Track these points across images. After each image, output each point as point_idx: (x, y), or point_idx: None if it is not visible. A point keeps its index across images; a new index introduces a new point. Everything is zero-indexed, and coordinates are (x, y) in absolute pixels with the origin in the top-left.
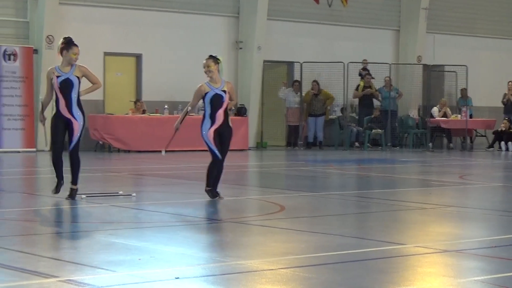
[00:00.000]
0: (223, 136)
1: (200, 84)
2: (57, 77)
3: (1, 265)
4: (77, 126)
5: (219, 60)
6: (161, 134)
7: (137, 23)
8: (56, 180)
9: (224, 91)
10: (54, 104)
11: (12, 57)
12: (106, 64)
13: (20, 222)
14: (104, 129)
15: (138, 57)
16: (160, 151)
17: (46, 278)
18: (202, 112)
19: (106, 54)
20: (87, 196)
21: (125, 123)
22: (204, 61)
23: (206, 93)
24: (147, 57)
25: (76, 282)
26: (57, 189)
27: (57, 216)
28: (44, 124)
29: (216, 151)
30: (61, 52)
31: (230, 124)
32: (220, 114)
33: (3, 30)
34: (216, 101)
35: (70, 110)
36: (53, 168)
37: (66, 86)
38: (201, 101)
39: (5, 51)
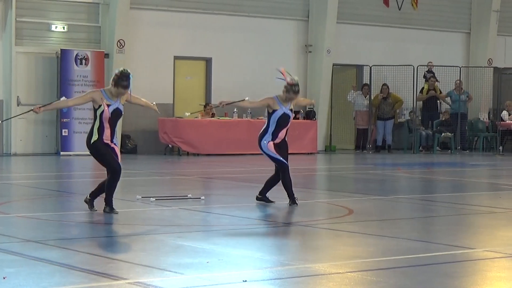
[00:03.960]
0: (281, 149)
1: (271, 96)
2: (108, 105)
3: (71, 267)
4: (118, 151)
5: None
6: (230, 137)
7: (207, 27)
8: (107, 202)
9: (291, 110)
10: (96, 131)
11: (84, 61)
12: (176, 68)
13: (90, 225)
14: (173, 133)
15: (208, 61)
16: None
17: (115, 280)
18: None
19: (176, 58)
20: (156, 199)
21: (194, 127)
22: (294, 79)
23: (274, 111)
24: (217, 61)
25: (145, 284)
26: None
27: (126, 218)
28: (34, 111)
29: (281, 158)
30: (113, 83)
31: (286, 139)
32: (283, 132)
33: (75, 35)
34: (283, 120)
35: (111, 139)
36: (109, 190)
37: (116, 116)
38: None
39: (77, 55)
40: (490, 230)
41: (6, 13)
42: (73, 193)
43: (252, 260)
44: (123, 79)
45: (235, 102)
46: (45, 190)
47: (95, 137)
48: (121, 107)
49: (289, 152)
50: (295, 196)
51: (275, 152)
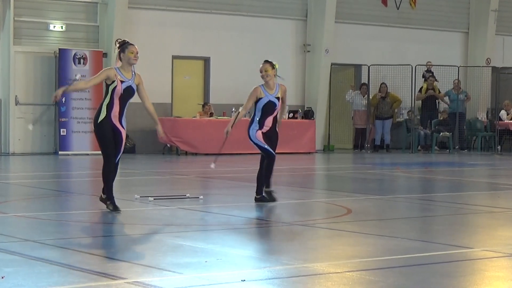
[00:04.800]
0: (271, 140)
1: (255, 86)
2: (121, 82)
3: (70, 267)
4: (124, 135)
5: (275, 65)
6: (229, 137)
7: (206, 26)
8: (108, 197)
9: (278, 98)
10: (105, 108)
11: (82, 60)
12: (174, 68)
13: (89, 224)
14: (171, 132)
15: (206, 61)
16: (212, 163)
17: (113, 279)
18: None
19: (175, 57)
20: (154, 199)
21: (192, 126)
22: (261, 66)
23: (259, 99)
24: (215, 61)
25: (144, 284)
26: (116, 206)
27: (125, 218)
28: (55, 99)
29: (268, 148)
30: (119, 56)
31: (277, 129)
32: (269, 120)
33: (74, 34)
34: (269, 108)
35: (120, 119)
36: (105, 181)
37: (128, 94)
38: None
39: (75, 55)
40: (488, 230)
41: (4, 12)
42: (71, 193)
43: (251, 260)
44: (126, 41)
45: (235, 120)
46: (44, 189)
47: (103, 114)
48: (134, 87)
49: (286, 151)
50: (272, 189)
51: (263, 142)
